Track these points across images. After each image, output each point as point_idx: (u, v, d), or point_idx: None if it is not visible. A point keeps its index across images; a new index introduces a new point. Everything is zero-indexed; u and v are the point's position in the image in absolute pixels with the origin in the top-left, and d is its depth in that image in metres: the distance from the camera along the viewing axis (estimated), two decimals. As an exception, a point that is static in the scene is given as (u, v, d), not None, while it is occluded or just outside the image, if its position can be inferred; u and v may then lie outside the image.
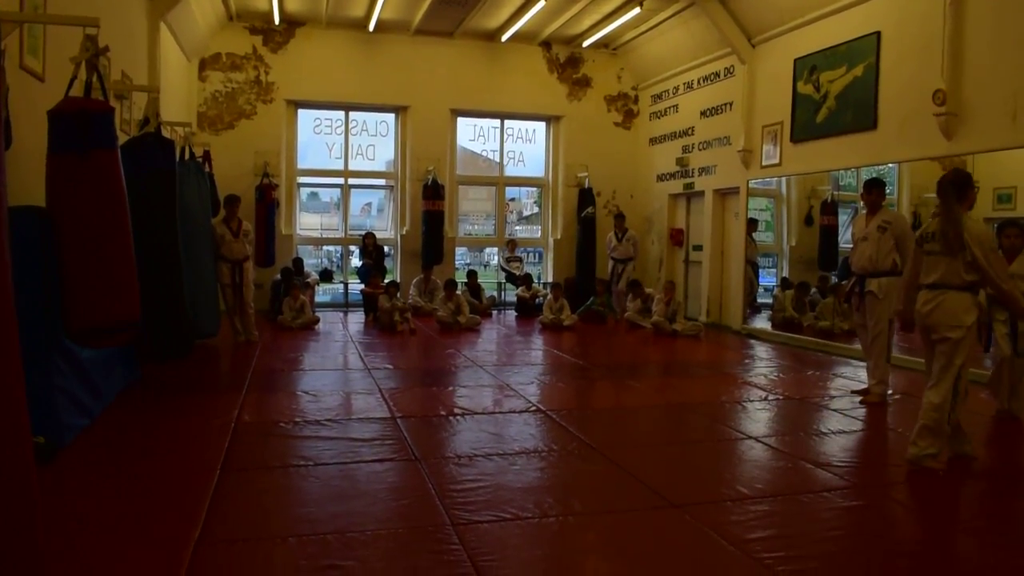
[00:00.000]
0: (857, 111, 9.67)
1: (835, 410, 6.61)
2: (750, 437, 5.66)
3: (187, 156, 9.05)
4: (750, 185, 12.04)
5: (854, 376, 8.16)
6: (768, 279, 13.39)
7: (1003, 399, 6.45)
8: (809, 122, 10.55)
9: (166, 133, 8.03)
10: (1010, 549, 3.67)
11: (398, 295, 11.83)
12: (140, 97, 8.55)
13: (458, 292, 12.33)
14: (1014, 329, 6.32)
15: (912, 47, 8.84)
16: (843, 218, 12.20)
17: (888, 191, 11.16)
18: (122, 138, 6.59)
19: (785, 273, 12.77)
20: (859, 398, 7.01)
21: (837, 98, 10.03)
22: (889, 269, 6.84)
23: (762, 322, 12.34)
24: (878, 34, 9.36)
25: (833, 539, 3.75)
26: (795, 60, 10.78)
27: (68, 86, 4.89)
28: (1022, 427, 6.28)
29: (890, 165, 10.22)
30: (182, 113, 11.69)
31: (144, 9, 9.35)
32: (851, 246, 7.34)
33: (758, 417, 6.42)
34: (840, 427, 6.01)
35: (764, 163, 11.55)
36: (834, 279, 11.88)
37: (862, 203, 7.32)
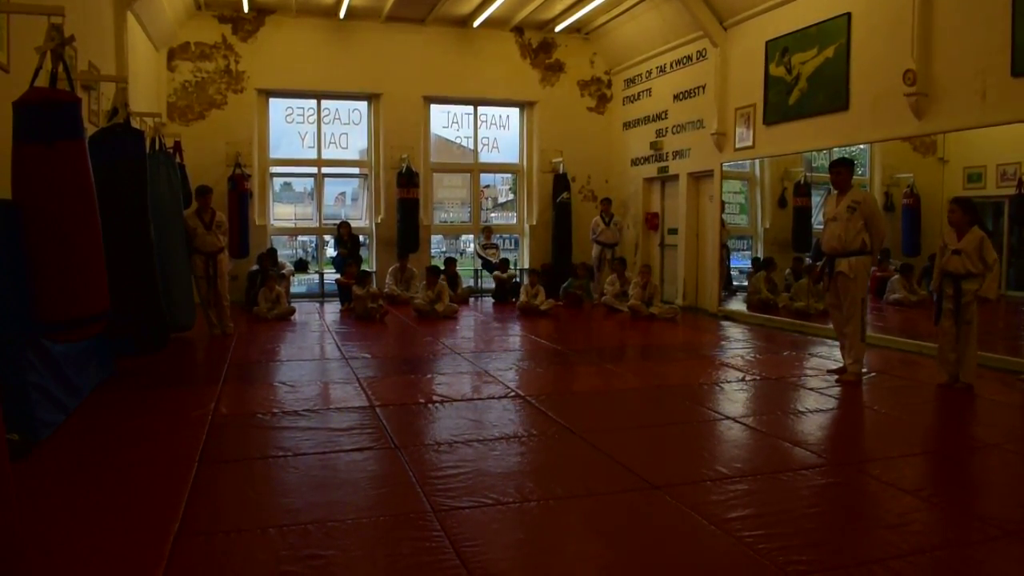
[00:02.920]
0: (829, 92, 9.72)
1: (811, 389, 6.67)
2: (728, 418, 5.70)
3: (157, 147, 8.95)
4: (724, 168, 12.08)
5: (829, 355, 8.24)
6: (743, 261, 13.46)
7: (950, 369, 6.67)
8: (781, 104, 10.60)
9: (135, 124, 7.93)
10: (981, 521, 3.72)
11: (372, 283, 11.80)
12: (108, 88, 8.43)
13: (440, 280, 12.29)
14: (958, 304, 6.52)
15: (882, 28, 8.90)
16: (816, 199, 12.29)
17: (860, 172, 11.27)
18: (90, 129, 6.52)
19: (760, 255, 12.84)
20: (835, 377, 7.08)
21: (809, 80, 10.07)
22: (858, 249, 6.90)
23: (738, 304, 12.42)
24: (848, 15, 9.40)
25: (811, 516, 3.79)
26: (767, 42, 10.81)
27: (33, 76, 4.82)
28: (971, 396, 6.45)
29: (862, 146, 10.29)
30: (151, 104, 11.54)
31: (110, -2, 9.22)
32: (823, 227, 7.38)
33: (735, 398, 6.47)
34: (816, 406, 6.08)
35: (737, 146, 11.59)
36: (808, 260, 11.97)
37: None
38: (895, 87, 8.57)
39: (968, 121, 8.01)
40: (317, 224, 14.53)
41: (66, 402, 5.46)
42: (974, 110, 7.83)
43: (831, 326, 7.85)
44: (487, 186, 16.28)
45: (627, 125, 14.81)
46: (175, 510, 3.71)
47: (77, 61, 7.20)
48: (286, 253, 14.67)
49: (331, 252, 14.31)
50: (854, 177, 7.27)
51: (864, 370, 7.12)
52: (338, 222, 14.01)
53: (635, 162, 14.54)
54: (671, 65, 13.31)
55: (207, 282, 9.62)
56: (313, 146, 14.29)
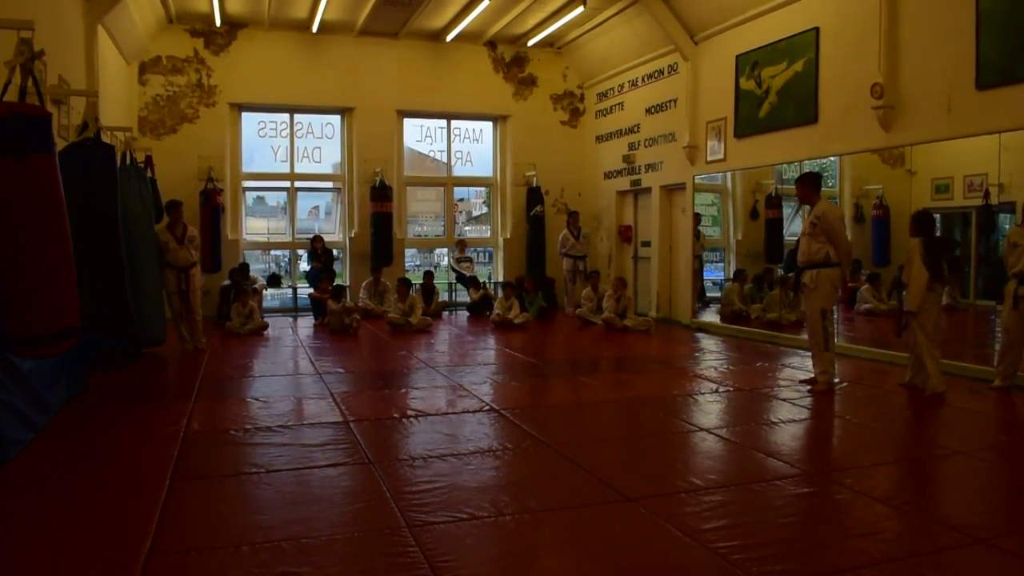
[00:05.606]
0: (798, 106, 9.84)
1: (784, 400, 6.72)
2: (702, 429, 5.72)
3: (128, 161, 8.88)
4: (696, 180, 12.17)
5: (802, 366, 8.30)
6: (716, 273, 13.54)
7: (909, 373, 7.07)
8: (752, 117, 10.71)
9: (106, 138, 7.88)
10: (952, 528, 3.76)
11: (346, 298, 11.77)
12: (78, 102, 8.35)
13: (412, 292, 12.29)
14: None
15: (850, 42, 9.03)
16: (787, 211, 12.40)
17: (830, 184, 11.39)
18: (60, 144, 6.46)
19: (733, 267, 12.92)
20: (807, 387, 7.14)
21: (779, 93, 10.19)
22: (822, 261, 7.01)
23: (711, 316, 12.49)
24: (817, 30, 9.54)
25: (785, 526, 3.81)
26: (737, 56, 10.93)
27: (2, 91, 4.78)
28: (942, 404, 6.57)
29: (831, 158, 10.41)
30: (122, 118, 11.45)
31: (81, 12, 9.14)
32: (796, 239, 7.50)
33: (709, 409, 6.50)
34: (789, 416, 6.12)
35: (709, 158, 11.69)
36: (780, 272, 12.07)
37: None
38: (863, 100, 8.70)
39: (934, 133, 8.14)
40: (290, 238, 14.46)
41: (35, 419, 5.38)
42: (940, 122, 7.95)
43: (803, 336, 7.92)
44: (461, 199, 16.30)
45: (600, 138, 14.89)
46: (146, 528, 3.66)
47: (47, 75, 7.14)
48: (259, 267, 14.58)
49: (304, 266, 14.26)
50: (824, 189, 7.37)
51: (836, 379, 7.20)
52: (311, 236, 13.96)
53: (608, 175, 14.61)
54: (643, 79, 13.41)
55: (180, 297, 9.53)
56: (286, 160, 14.24)
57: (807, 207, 7.28)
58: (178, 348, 9.48)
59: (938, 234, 7.42)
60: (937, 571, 3.27)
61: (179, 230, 9.53)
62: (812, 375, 7.40)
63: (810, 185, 7.23)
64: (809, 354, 7.73)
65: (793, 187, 12.03)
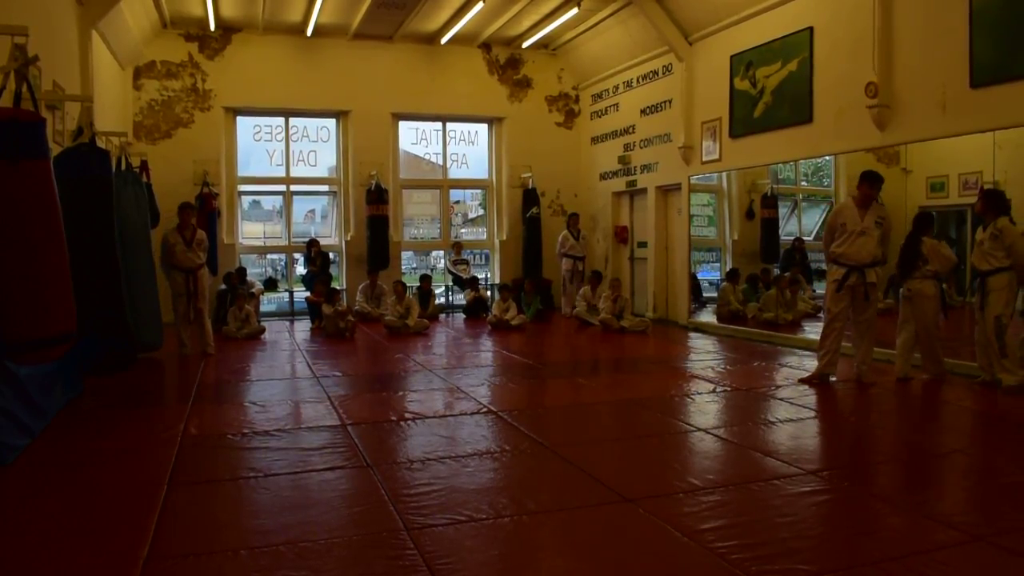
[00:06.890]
0: (793, 105, 9.85)
1: (782, 399, 6.72)
2: (700, 429, 5.72)
3: (123, 166, 8.87)
4: (691, 181, 12.18)
5: (799, 365, 8.31)
6: (712, 273, 13.56)
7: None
8: (747, 117, 10.72)
9: (101, 143, 7.88)
10: (950, 526, 3.76)
11: (342, 301, 11.74)
12: (73, 107, 8.36)
13: (409, 294, 12.29)
14: None
15: (844, 42, 9.05)
16: (783, 211, 12.43)
17: (826, 183, 11.43)
18: (55, 149, 6.46)
19: (729, 267, 12.94)
20: (871, 384, 7.20)
21: (773, 93, 10.20)
22: (883, 260, 7.29)
23: (708, 316, 12.49)
24: (811, 29, 9.55)
25: (784, 525, 3.80)
26: (731, 56, 10.94)
27: (-4, 97, 4.77)
28: (936, 399, 6.51)
29: (827, 157, 10.44)
30: (117, 123, 11.43)
31: (75, 17, 9.12)
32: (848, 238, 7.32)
33: (707, 409, 6.50)
34: (787, 415, 6.12)
35: (704, 159, 11.69)
36: (776, 271, 12.09)
37: (858, 194, 7.35)
38: (857, 99, 8.71)
39: (929, 132, 8.16)
40: (286, 242, 14.43)
41: (32, 425, 5.36)
42: (935, 121, 7.97)
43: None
44: (457, 202, 16.29)
45: (595, 140, 14.90)
46: (144, 533, 3.65)
47: (41, 80, 7.13)
48: (255, 271, 14.55)
49: (301, 270, 14.24)
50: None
51: (833, 378, 7.27)
52: (307, 240, 13.95)
53: (604, 176, 14.62)
54: (638, 80, 13.42)
55: (187, 299, 9.48)
56: (281, 164, 14.23)
57: (851, 206, 7.29)
58: (175, 352, 9.45)
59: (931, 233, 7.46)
60: (936, 569, 3.27)
61: (188, 232, 9.49)
62: (809, 373, 7.45)
63: (878, 185, 7.28)
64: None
65: (789, 187, 12.15)
